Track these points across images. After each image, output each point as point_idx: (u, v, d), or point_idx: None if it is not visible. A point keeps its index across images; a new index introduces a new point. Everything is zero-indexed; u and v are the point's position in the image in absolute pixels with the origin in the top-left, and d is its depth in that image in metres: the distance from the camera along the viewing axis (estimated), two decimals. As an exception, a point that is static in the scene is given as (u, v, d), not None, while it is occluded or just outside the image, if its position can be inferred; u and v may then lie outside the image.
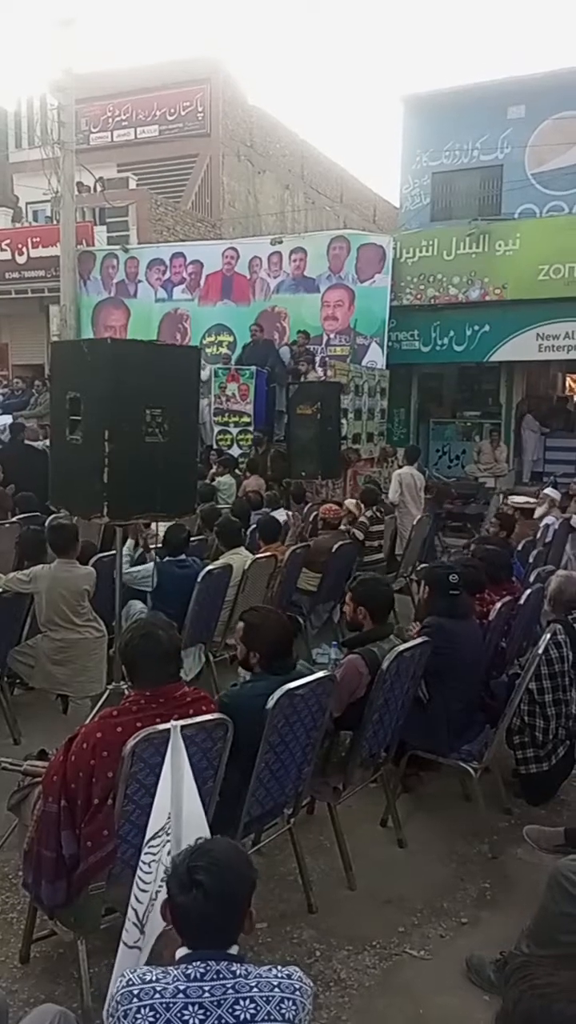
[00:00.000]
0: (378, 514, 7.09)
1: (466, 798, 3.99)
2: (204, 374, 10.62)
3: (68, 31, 12.11)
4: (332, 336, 12.43)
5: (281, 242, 13.00)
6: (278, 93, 36.66)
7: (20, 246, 14.80)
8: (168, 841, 1.97)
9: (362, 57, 49.05)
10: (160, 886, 1.90)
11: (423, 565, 5.62)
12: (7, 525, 6.04)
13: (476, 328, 12.17)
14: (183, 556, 5.16)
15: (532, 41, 45.92)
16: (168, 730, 2.09)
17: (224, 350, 12.70)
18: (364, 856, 3.48)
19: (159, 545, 5.33)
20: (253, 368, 10.52)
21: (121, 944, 2.12)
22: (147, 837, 2.07)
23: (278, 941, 3.02)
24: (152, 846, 2.07)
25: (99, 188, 14.55)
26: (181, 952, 1.57)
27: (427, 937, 3.08)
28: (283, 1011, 1.49)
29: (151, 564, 5.00)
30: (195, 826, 2.05)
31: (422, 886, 3.38)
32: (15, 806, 2.87)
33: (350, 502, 7.21)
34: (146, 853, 2.08)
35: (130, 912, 2.10)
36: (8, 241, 14.99)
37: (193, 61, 16.64)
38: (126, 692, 3.44)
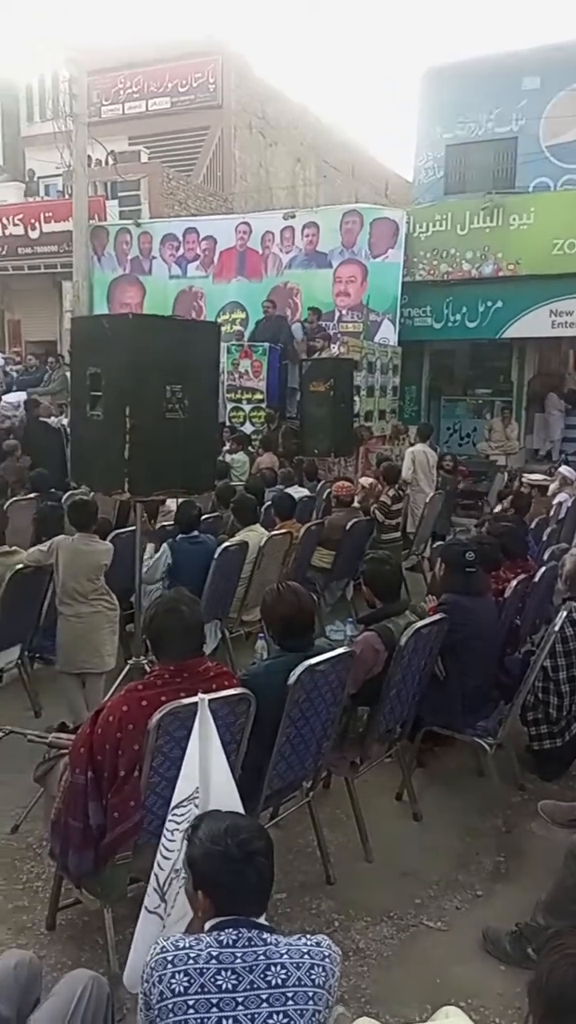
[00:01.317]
0: (400, 492, 7.07)
1: (480, 773, 4.03)
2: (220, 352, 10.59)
3: (80, 2, 11.92)
4: (344, 312, 12.32)
5: (294, 216, 12.85)
6: (290, 65, 36.09)
7: (32, 220, 14.69)
8: (195, 811, 2.00)
9: (375, 28, 48.12)
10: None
11: (439, 543, 5.62)
12: (23, 502, 6.07)
13: (489, 304, 12.02)
14: (195, 533, 5.17)
15: (547, 11, 44.85)
16: (193, 704, 2.12)
17: (237, 327, 12.62)
18: (380, 829, 3.52)
19: (166, 524, 5.31)
20: (266, 344, 10.46)
21: (143, 909, 2.17)
22: (172, 805, 2.10)
23: (297, 911, 3.07)
24: (176, 814, 2.10)
25: (111, 161, 14.40)
26: (212, 921, 1.61)
27: (443, 909, 3.13)
28: (313, 977, 1.53)
29: (162, 553, 4.97)
30: (225, 797, 2.08)
31: (437, 859, 3.43)
32: (41, 777, 2.92)
33: (365, 480, 7.19)
34: (170, 820, 2.11)
35: (152, 878, 2.14)
36: (21, 215, 14.88)
37: (205, 32, 16.39)
38: (147, 667, 3.49)
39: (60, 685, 4.37)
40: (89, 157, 13.36)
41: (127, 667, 3.87)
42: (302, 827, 3.46)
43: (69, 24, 12.01)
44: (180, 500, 4.79)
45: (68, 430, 6.48)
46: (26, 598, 4.39)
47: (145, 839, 2.49)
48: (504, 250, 11.70)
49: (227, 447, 9.10)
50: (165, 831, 2.12)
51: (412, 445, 9.54)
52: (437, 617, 3.61)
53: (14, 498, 6.21)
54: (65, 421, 6.59)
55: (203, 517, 6.05)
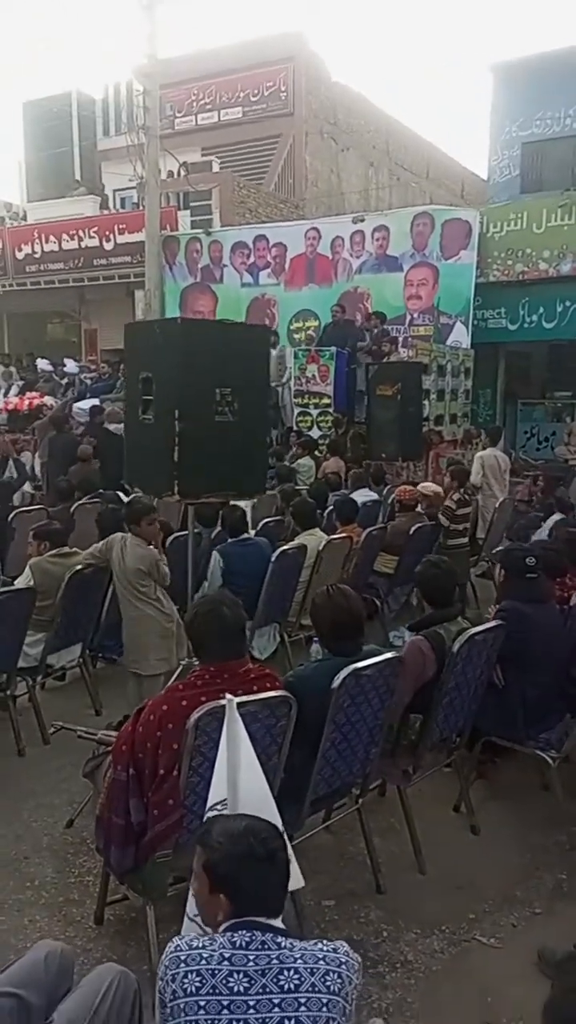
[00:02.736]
0: (466, 497, 6.92)
1: (544, 787, 3.88)
2: (287, 358, 10.63)
3: (151, 16, 12.22)
4: (416, 316, 12.19)
5: (363, 220, 12.80)
6: (363, 68, 36.05)
7: (107, 233, 15.15)
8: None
9: (449, 27, 47.55)
10: None
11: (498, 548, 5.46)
12: (89, 505, 6.22)
13: (568, 304, 11.70)
14: (245, 536, 5.18)
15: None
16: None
17: (310, 334, 12.65)
18: (435, 840, 3.44)
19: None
20: (333, 349, 10.44)
21: (185, 916, 2.15)
22: (206, 809, 2.09)
23: (345, 919, 3.03)
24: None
25: (183, 173, 14.70)
26: (228, 922, 1.59)
27: (498, 925, 3.02)
28: (328, 983, 1.49)
29: (215, 561, 4.99)
30: (259, 800, 2.06)
31: (495, 873, 3.32)
32: (89, 773, 2.98)
33: (427, 486, 7.05)
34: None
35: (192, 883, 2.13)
36: (96, 228, 15.36)
37: (276, 40, 16.53)
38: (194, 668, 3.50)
39: (126, 677, 4.46)
40: (163, 169, 13.68)
41: (179, 667, 3.91)
42: (354, 834, 3.40)
43: (143, 38, 12.32)
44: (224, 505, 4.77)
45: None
46: (85, 598, 4.49)
47: (186, 838, 2.49)
48: (583, 247, 11.36)
49: (293, 451, 9.10)
50: (200, 836, 2.10)
51: (483, 449, 9.33)
52: (493, 624, 3.51)
53: (79, 502, 6.38)
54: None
55: (265, 520, 6.08)
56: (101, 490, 6.62)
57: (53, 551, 4.52)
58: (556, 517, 6.74)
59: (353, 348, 10.78)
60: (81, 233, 15.41)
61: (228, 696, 2.05)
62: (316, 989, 1.48)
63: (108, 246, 15.10)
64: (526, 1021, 2.56)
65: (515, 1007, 2.60)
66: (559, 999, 1.19)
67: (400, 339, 11.01)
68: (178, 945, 1.53)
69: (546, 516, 6.74)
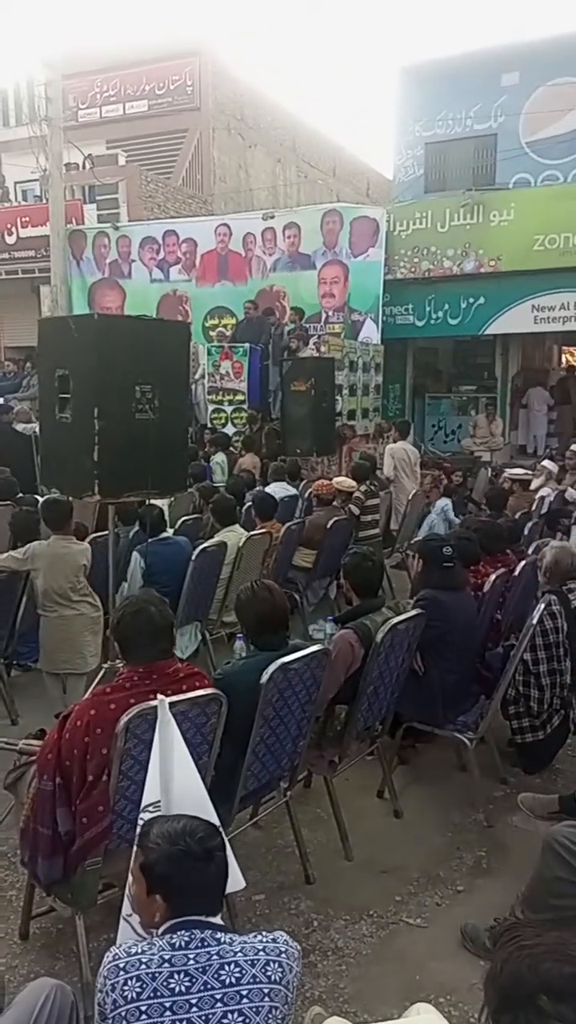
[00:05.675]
0: (372, 488, 7.06)
1: (462, 768, 4.01)
2: (200, 355, 10.55)
3: (55, 5, 11.87)
4: (331, 314, 12.32)
5: (273, 217, 12.84)
6: (269, 66, 36.00)
7: (9, 226, 14.63)
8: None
9: (354, 27, 48.12)
10: None
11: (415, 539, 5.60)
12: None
13: (471, 301, 12.08)
14: (164, 534, 5.14)
15: (527, 6, 44.88)
16: (161, 706, 2.08)
17: (223, 331, 12.59)
18: (361, 827, 3.51)
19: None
20: (246, 345, 10.44)
21: (121, 919, 2.13)
22: (140, 810, 2.07)
23: (276, 912, 3.05)
24: (144, 820, 2.07)
25: (88, 165, 14.35)
26: (166, 924, 1.58)
27: (423, 905, 3.11)
28: (268, 974, 1.51)
29: (134, 561, 4.93)
30: (193, 800, 2.05)
31: (419, 855, 3.41)
32: (11, 785, 2.89)
33: (341, 481, 7.17)
34: (140, 825, 2.08)
35: (128, 886, 2.10)
36: (-3, 221, 14.81)
37: (182, 34, 16.34)
38: (121, 670, 3.45)
39: (44, 684, 4.34)
40: (67, 162, 13.31)
41: (102, 671, 3.84)
42: (282, 827, 3.44)
43: (44, 28, 11.96)
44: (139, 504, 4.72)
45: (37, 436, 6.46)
46: (1, 604, 4.35)
47: (115, 844, 2.46)
48: (485, 247, 11.75)
49: (207, 449, 9.06)
50: (138, 837, 2.09)
51: (392, 443, 9.55)
52: (414, 613, 3.60)
53: (-11, 506, 6.15)
54: (37, 428, 6.52)
55: (183, 518, 6.03)
56: (21, 493, 6.40)
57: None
58: (443, 502, 7.04)
59: (266, 344, 10.81)
60: (-19, 226, 14.84)
61: (160, 696, 2.03)
62: (257, 980, 1.49)
63: (10, 240, 14.59)
64: (453, 995, 2.64)
65: (442, 982, 2.69)
66: (498, 969, 1.24)
67: (313, 337, 11.10)
68: (116, 954, 1.52)
69: (433, 501, 7.15)
